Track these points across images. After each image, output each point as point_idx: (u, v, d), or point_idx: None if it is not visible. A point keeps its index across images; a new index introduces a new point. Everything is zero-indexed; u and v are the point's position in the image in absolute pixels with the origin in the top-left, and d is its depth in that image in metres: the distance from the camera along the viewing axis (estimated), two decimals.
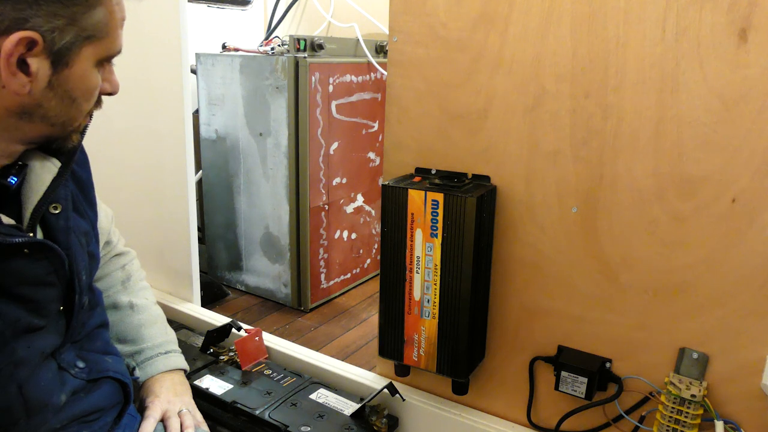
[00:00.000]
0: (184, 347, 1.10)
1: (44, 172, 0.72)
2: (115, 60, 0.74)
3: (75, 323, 0.78)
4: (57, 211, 0.74)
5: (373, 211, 2.28)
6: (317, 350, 1.38)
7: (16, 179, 0.69)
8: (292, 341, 1.38)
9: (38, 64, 0.62)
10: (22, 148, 0.70)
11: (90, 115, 0.75)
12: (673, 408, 0.92)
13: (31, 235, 0.70)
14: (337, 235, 2.13)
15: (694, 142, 0.86)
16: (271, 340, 1.34)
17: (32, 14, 0.60)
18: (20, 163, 0.71)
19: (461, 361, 1.02)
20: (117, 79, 0.74)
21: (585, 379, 0.98)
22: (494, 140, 1.02)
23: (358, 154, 2.15)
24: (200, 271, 1.61)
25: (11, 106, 0.64)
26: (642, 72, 0.88)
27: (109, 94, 0.74)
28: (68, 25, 0.62)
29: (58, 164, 0.74)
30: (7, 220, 0.68)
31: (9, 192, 0.69)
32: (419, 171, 1.10)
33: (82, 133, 0.76)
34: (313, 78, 1.87)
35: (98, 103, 0.74)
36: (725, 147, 0.85)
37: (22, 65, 0.61)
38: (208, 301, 2.00)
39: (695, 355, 0.92)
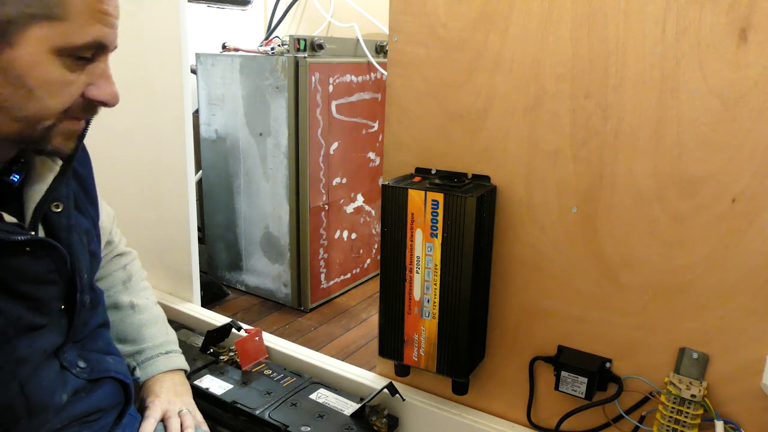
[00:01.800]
0: (184, 347, 1.10)
1: (45, 170, 0.72)
2: (114, 60, 0.69)
3: (77, 322, 0.78)
4: (59, 210, 0.74)
5: (373, 211, 2.28)
6: (317, 350, 1.38)
7: (18, 177, 0.69)
8: (292, 341, 1.38)
9: None
10: (11, 151, 0.67)
11: (82, 120, 0.69)
12: (673, 408, 0.92)
13: (33, 233, 0.71)
14: (337, 235, 2.13)
15: (694, 141, 0.86)
16: (271, 340, 1.34)
17: None
18: (22, 160, 0.70)
19: (461, 361, 1.02)
20: (113, 87, 0.67)
21: (585, 379, 0.98)
22: (494, 140, 1.02)
23: (358, 154, 2.15)
24: (200, 271, 1.61)
25: None
26: (642, 72, 0.88)
27: (103, 103, 0.67)
28: None
29: (60, 162, 0.73)
30: (9, 218, 0.68)
31: (11, 190, 0.69)
32: (419, 171, 1.10)
33: (79, 139, 0.71)
34: (313, 78, 1.87)
35: (90, 110, 0.68)
36: (725, 147, 0.85)
37: None
38: (208, 301, 2.00)
39: (695, 355, 0.92)
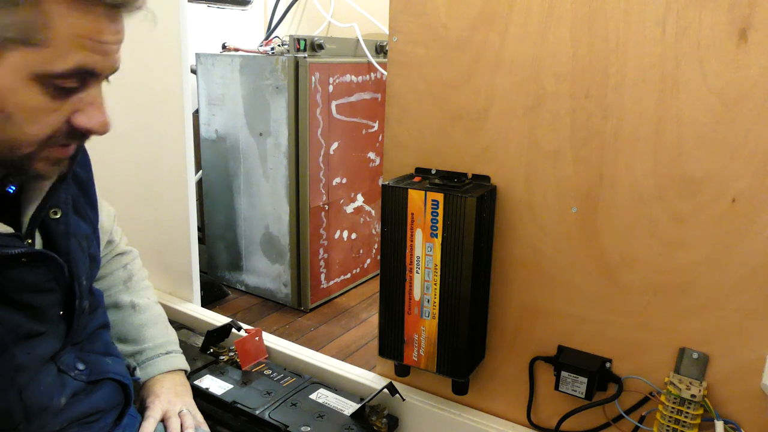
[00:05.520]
0: (184, 347, 1.10)
1: None
2: (102, 104, 0.65)
3: (76, 327, 0.78)
4: (57, 216, 0.73)
5: (373, 211, 2.28)
6: (317, 350, 1.38)
7: (14, 188, 0.68)
8: (292, 341, 1.38)
9: None
10: None
11: (70, 146, 0.66)
12: (673, 408, 0.92)
13: (29, 242, 0.69)
14: (337, 235, 2.13)
15: (694, 141, 0.86)
16: (271, 340, 1.34)
17: None
18: None
19: (461, 361, 1.02)
20: (103, 116, 0.64)
21: (585, 379, 0.98)
22: (494, 140, 1.02)
23: (358, 154, 2.15)
24: (200, 271, 1.61)
25: None
26: (642, 72, 0.88)
27: (88, 131, 0.64)
28: None
29: None
30: (5, 229, 0.67)
31: (7, 198, 0.68)
32: (419, 171, 1.10)
33: (65, 163, 0.67)
34: (313, 78, 1.87)
35: (76, 137, 0.64)
36: (725, 147, 0.85)
37: None
38: (208, 301, 2.00)
39: (695, 355, 0.92)
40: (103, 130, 0.65)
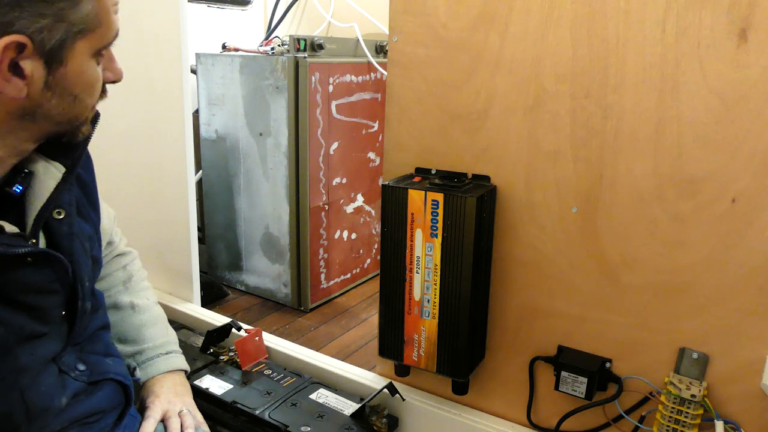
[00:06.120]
0: (184, 347, 1.10)
1: (48, 177, 0.71)
2: (114, 55, 0.73)
3: (78, 328, 0.78)
4: (61, 217, 0.73)
5: (373, 211, 2.28)
6: (317, 350, 1.38)
7: (21, 188, 0.68)
8: (292, 341, 1.38)
9: (32, 66, 0.61)
10: (33, 146, 0.69)
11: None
12: (673, 408, 0.92)
13: (34, 241, 0.70)
14: (337, 235, 2.13)
15: (694, 141, 0.86)
16: (271, 340, 1.34)
17: (16, 17, 0.57)
18: (26, 171, 0.69)
19: (461, 361, 1.02)
20: (119, 66, 0.72)
21: (585, 379, 0.98)
22: (494, 140, 1.02)
23: (358, 154, 2.15)
24: (200, 271, 1.61)
25: (11, 109, 0.63)
26: (642, 72, 0.88)
27: (113, 82, 0.73)
28: (56, 22, 0.60)
29: (63, 170, 0.72)
30: (11, 229, 0.67)
31: (13, 199, 0.69)
32: (419, 171, 1.10)
33: (93, 123, 0.74)
34: (313, 78, 1.87)
35: (103, 93, 0.72)
36: (725, 147, 0.85)
37: (15, 69, 0.60)
38: (208, 301, 2.00)
39: (695, 355, 0.92)
40: (121, 77, 0.73)
